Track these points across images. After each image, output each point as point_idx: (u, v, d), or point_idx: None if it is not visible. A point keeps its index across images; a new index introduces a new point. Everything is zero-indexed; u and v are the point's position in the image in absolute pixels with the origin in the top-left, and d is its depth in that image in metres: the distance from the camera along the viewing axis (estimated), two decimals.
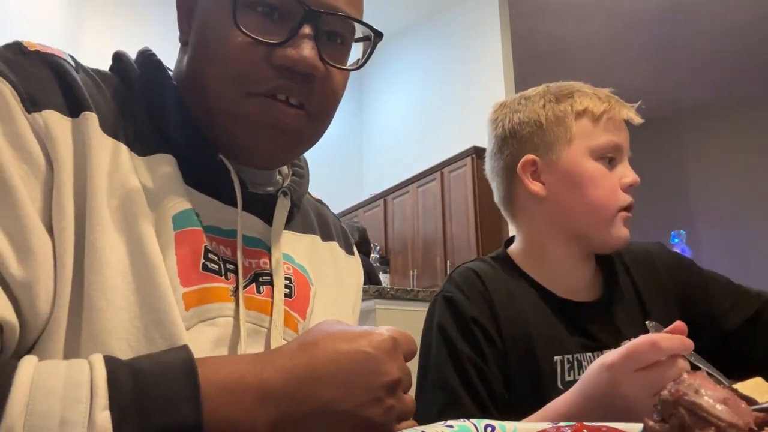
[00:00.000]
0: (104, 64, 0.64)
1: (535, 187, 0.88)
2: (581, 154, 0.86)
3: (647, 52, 5.85)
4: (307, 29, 0.56)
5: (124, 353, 0.46)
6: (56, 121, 0.50)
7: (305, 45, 0.56)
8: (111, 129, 0.54)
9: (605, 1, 5.11)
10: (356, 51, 0.65)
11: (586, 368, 0.75)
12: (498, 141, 0.94)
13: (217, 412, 0.40)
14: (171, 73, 0.66)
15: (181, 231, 0.54)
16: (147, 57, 0.64)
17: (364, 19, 0.61)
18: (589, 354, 0.85)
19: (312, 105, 0.59)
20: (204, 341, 0.54)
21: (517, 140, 0.91)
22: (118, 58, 0.64)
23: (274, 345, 0.60)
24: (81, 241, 0.49)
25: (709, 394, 0.35)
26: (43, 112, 0.50)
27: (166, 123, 0.59)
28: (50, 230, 0.48)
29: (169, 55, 0.66)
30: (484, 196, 4.60)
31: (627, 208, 0.86)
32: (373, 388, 0.44)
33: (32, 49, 0.54)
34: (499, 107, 0.97)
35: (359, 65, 0.64)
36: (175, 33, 0.63)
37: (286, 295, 0.61)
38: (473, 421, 0.44)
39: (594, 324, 0.87)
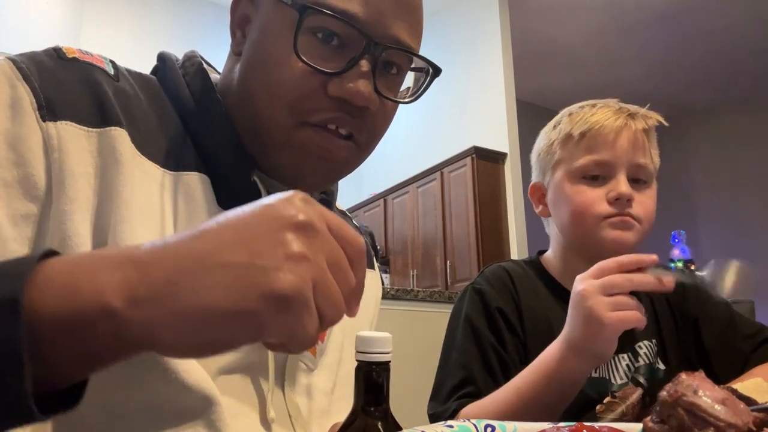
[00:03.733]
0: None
1: (538, 208, 1.02)
2: (562, 177, 0.94)
3: (647, 52, 5.85)
4: (366, 61, 0.55)
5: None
6: (72, 133, 0.49)
7: (363, 78, 0.55)
8: (144, 144, 0.53)
9: (605, 1, 5.11)
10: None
11: (599, 365, 0.87)
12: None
13: (54, 281, 0.32)
14: (216, 76, 0.64)
15: None
16: (193, 64, 0.62)
17: None
18: None
19: (362, 135, 0.59)
20: (223, 363, 0.53)
21: (533, 167, 1.04)
22: (162, 60, 0.63)
23: (291, 368, 0.60)
24: None
25: (707, 394, 0.35)
26: (59, 122, 0.48)
27: (205, 140, 0.58)
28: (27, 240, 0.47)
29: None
30: (484, 196, 4.59)
31: (612, 216, 0.89)
32: (271, 230, 0.34)
33: (71, 55, 0.53)
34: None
35: (412, 97, 0.63)
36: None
37: None
38: (473, 421, 0.45)
39: None
